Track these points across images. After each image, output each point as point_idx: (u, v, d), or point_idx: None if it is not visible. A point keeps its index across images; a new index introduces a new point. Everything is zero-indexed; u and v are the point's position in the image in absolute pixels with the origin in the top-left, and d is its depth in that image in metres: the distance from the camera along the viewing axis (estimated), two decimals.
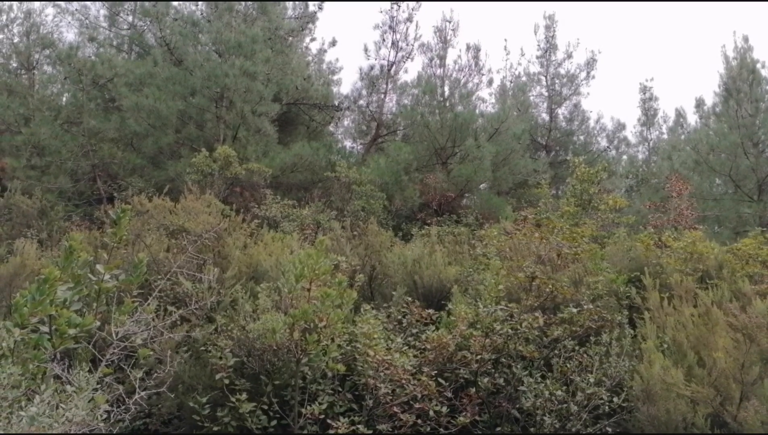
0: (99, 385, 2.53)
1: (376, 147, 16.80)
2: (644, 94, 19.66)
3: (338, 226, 8.26)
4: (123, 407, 2.64)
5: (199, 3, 14.87)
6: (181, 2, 15.34)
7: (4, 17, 15.72)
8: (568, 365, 4.04)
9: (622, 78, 36.88)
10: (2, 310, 6.43)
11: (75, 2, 16.16)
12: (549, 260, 4.86)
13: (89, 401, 2.69)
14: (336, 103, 16.58)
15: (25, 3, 15.63)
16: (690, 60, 37.60)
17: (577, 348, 4.22)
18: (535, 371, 4.16)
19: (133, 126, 12.00)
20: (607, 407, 3.78)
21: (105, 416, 2.76)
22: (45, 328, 3.28)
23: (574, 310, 4.20)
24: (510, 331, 4.12)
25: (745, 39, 14.00)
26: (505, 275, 5.01)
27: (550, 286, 4.48)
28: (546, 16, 18.74)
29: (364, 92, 17.42)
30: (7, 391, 2.18)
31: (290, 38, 15.28)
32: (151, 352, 3.78)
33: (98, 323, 3.59)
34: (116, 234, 3.66)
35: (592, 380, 3.80)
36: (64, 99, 15.14)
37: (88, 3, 16.30)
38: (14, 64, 16.10)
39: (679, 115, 18.71)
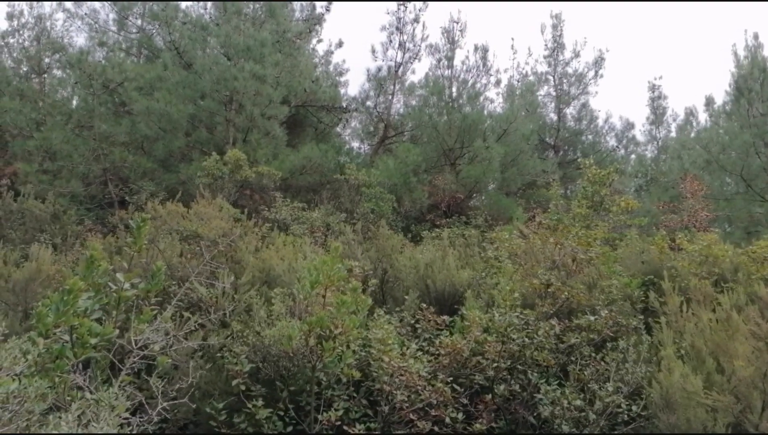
0: (122, 393, 2.56)
1: (384, 148, 16.81)
2: (653, 92, 19.53)
3: (349, 229, 8.26)
4: (146, 417, 2.66)
5: (208, 5, 14.95)
6: (189, 3, 15.43)
7: (15, 22, 15.85)
8: (585, 373, 4.02)
9: (630, 77, 36.65)
10: (18, 315, 6.50)
11: (84, 4, 16.27)
12: (563, 265, 4.85)
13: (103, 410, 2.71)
14: (344, 104, 16.60)
15: (35, 8, 15.75)
16: (699, 58, 37.32)
17: (593, 355, 4.21)
18: (552, 379, 4.15)
19: (144, 130, 12.07)
20: (626, 416, 3.77)
21: (125, 424, 2.79)
22: (66, 338, 3.31)
23: (592, 318, 4.19)
24: (526, 339, 4.12)
25: (756, 37, 13.89)
26: (520, 281, 4.99)
27: (566, 293, 4.46)
28: (553, 16, 18.68)
29: (371, 93, 17.44)
30: (34, 403, 2.21)
31: (298, 41, 15.31)
32: (170, 360, 3.80)
33: (117, 331, 3.63)
34: (136, 243, 3.68)
35: (610, 389, 3.78)
36: (74, 103, 15.25)
37: (97, 6, 16.42)
38: (25, 69, 16.23)
39: (689, 113, 18.58)
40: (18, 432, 1.99)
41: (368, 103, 17.53)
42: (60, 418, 2.04)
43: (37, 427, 2.07)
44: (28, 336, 2.64)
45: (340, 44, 17.85)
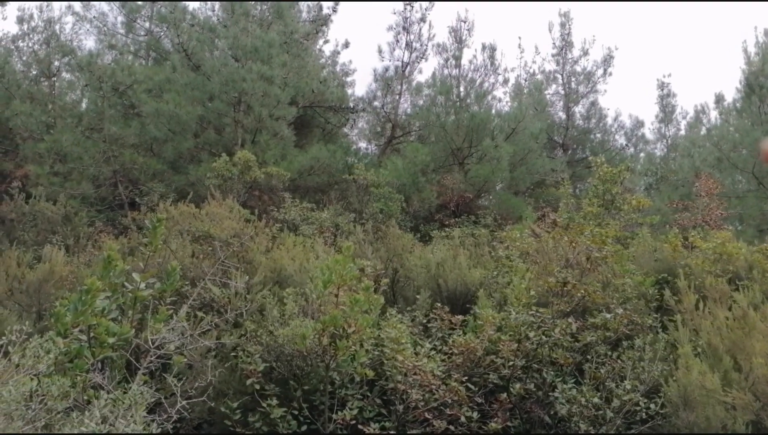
0: (148, 392, 2.57)
1: (392, 148, 16.80)
2: (662, 90, 19.37)
3: (359, 229, 8.27)
4: (165, 416, 2.67)
5: (216, 6, 15.01)
6: (197, 5, 15.51)
7: (25, 26, 15.97)
8: (601, 371, 4.00)
9: (639, 75, 36.40)
10: (32, 316, 6.55)
11: (93, 7, 16.38)
12: (577, 264, 4.83)
13: (127, 408, 2.72)
14: (351, 105, 16.61)
15: (45, 12, 15.86)
16: (708, 55, 37.02)
17: (609, 353, 4.19)
18: (568, 377, 4.13)
19: (153, 131, 12.14)
20: (644, 414, 3.74)
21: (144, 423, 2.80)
22: (83, 338, 3.33)
23: (608, 316, 4.17)
24: (544, 337, 4.10)
25: (767, 33, 13.77)
26: (533, 279, 4.97)
27: (582, 291, 4.44)
28: (561, 14, 18.58)
29: (378, 93, 17.42)
30: (56, 402, 2.22)
31: (305, 41, 15.34)
32: (186, 359, 3.82)
33: (133, 331, 3.65)
34: (152, 243, 3.71)
35: (628, 387, 3.76)
36: (84, 105, 15.35)
37: (106, 9, 16.53)
38: (34, 72, 16.34)
39: (699, 111, 18.42)
40: (50, 432, 2.01)
41: (375, 103, 17.52)
42: (83, 416, 2.06)
43: (59, 426, 2.08)
44: (48, 336, 2.66)
45: (346, 45, 17.86)
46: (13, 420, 2.05)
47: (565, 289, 4.42)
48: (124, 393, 2.92)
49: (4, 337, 2.26)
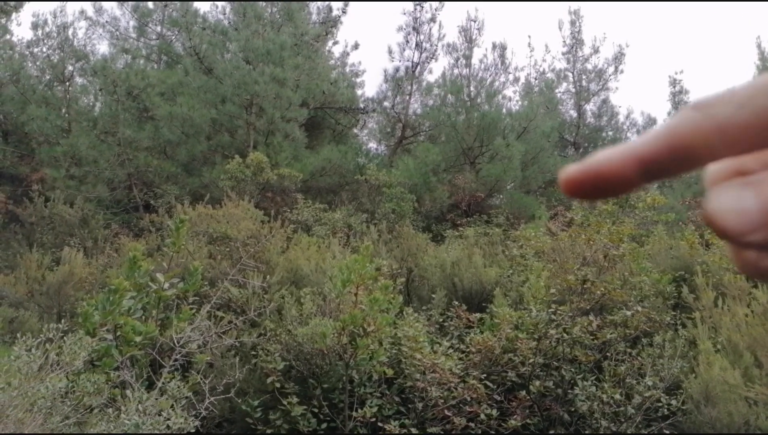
0: (185, 387, 2.63)
1: (402, 148, 16.83)
2: (674, 87, 19.20)
3: (374, 229, 8.31)
4: (194, 412, 2.73)
5: (227, 10, 15.14)
6: (208, 9, 15.65)
7: (40, 31, 16.20)
8: (621, 368, 4.01)
9: (651, 72, 36.15)
10: (53, 317, 6.66)
11: (106, 12, 16.58)
12: (595, 262, 4.83)
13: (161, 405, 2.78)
14: (361, 105, 16.67)
15: (59, 17, 16.07)
16: (721, 51, 36.66)
17: (628, 350, 4.19)
18: (587, 375, 4.14)
19: (167, 134, 12.27)
20: (666, 410, 3.75)
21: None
22: (110, 337, 3.40)
23: (628, 313, 4.18)
24: (565, 334, 4.11)
25: None
26: (551, 277, 4.98)
27: (602, 289, 4.45)
28: (571, 12, 18.50)
29: (389, 94, 17.46)
30: (91, 398, 2.28)
31: (315, 43, 15.41)
32: (209, 357, 3.88)
33: (158, 330, 3.72)
34: (175, 243, 3.77)
35: (649, 383, 3.77)
36: (98, 109, 15.54)
37: (118, 14, 16.73)
38: (48, 77, 16.56)
39: None
40: (94, 431, 2.06)
41: (385, 103, 17.57)
42: (120, 412, 2.11)
43: (96, 422, 2.14)
44: (79, 335, 2.72)
45: (356, 46, 17.94)
46: (51, 416, 2.11)
47: (585, 286, 4.43)
48: (149, 390, 2.98)
49: (41, 335, 2.32)
